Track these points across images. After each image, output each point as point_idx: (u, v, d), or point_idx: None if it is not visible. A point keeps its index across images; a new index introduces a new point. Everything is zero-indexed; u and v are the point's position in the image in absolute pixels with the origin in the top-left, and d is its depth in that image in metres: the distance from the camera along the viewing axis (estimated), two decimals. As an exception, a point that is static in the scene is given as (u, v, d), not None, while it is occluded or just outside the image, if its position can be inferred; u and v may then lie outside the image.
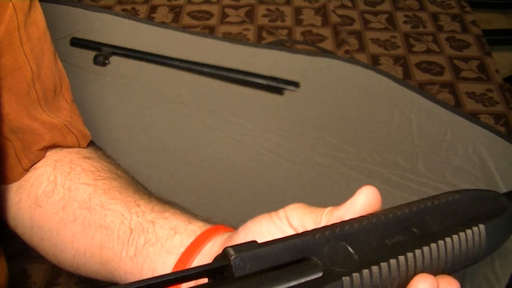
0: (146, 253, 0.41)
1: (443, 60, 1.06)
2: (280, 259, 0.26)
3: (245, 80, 0.95)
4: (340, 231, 0.29)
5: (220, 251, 0.26)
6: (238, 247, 0.25)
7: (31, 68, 0.44)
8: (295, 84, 0.94)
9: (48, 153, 0.49)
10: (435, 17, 1.19)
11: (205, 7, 1.19)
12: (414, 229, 0.30)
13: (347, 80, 0.97)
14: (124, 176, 0.49)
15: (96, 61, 0.98)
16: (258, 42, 1.08)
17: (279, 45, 1.07)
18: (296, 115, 0.90)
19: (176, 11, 1.18)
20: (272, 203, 0.40)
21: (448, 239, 0.30)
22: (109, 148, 0.87)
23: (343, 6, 1.21)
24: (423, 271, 0.30)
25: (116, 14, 1.11)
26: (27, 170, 0.48)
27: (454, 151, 0.84)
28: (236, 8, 1.19)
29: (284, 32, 1.12)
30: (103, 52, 0.98)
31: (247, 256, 0.25)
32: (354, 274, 0.26)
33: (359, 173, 0.80)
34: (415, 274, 0.29)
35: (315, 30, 1.13)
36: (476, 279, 0.69)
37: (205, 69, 0.96)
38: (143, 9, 1.18)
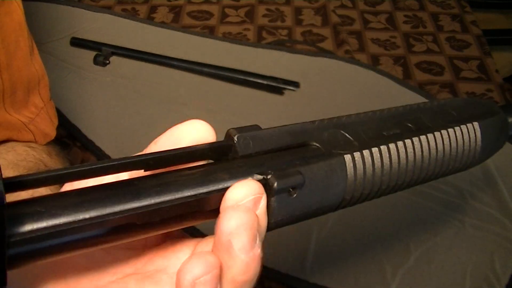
0: None
1: (443, 60, 1.06)
2: (282, 141, 0.26)
3: (245, 80, 0.95)
4: (338, 121, 0.29)
5: None
6: (240, 129, 0.25)
7: None
8: (295, 84, 0.94)
9: None
10: (435, 17, 1.19)
11: (205, 7, 1.19)
12: (409, 124, 0.30)
13: (347, 80, 0.97)
14: (49, 166, 0.49)
15: (96, 61, 0.98)
16: (258, 42, 1.08)
17: (279, 45, 1.07)
18: (296, 115, 0.90)
19: (176, 11, 1.18)
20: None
21: (444, 132, 0.31)
22: (108, 147, 0.87)
23: (343, 6, 1.21)
24: (422, 162, 0.30)
25: (116, 14, 1.11)
26: None
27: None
28: (236, 8, 1.19)
29: (284, 32, 1.12)
30: (103, 52, 0.98)
31: (250, 136, 0.25)
32: (355, 153, 0.27)
33: (359, 173, 0.79)
34: (414, 168, 0.29)
35: (315, 30, 1.13)
36: (476, 279, 0.69)
37: (205, 69, 0.96)
38: (143, 9, 1.18)
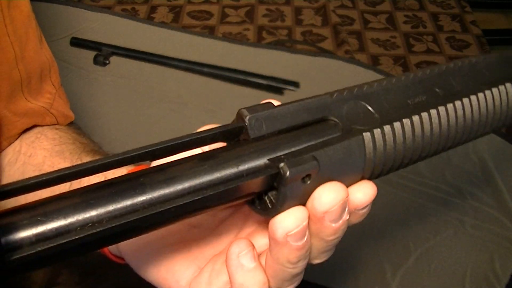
0: None
1: (443, 60, 1.06)
2: (297, 119, 0.25)
3: (245, 80, 0.95)
4: (359, 91, 0.27)
5: None
6: (252, 108, 0.24)
7: (14, 49, 0.44)
8: (295, 84, 0.94)
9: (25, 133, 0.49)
10: (435, 17, 1.19)
11: (205, 7, 1.19)
12: (437, 89, 0.28)
13: (347, 80, 0.97)
14: (85, 142, 0.50)
15: (96, 61, 0.98)
16: (258, 42, 1.08)
17: (279, 45, 1.07)
18: (296, 115, 0.90)
19: (176, 11, 1.18)
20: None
21: (473, 97, 0.28)
22: (108, 148, 0.87)
23: (343, 6, 1.21)
24: (448, 132, 0.28)
25: (116, 14, 1.11)
26: None
27: (454, 151, 0.84)
28: (236, 8, 1.19)
29: (284, 32, 1.12)
30: (103, 52, 0.98)
31: (262, 116, 0.24)
32: (375, 130, 0.25)
33: (359, 173, 0.79)
34: (440, 138, 0.27)
35: (315, 30, 1.13)
36: (476, 279, 0.69)
37: (205, 69, 0.96)
38: (143, 9, 1.18)
